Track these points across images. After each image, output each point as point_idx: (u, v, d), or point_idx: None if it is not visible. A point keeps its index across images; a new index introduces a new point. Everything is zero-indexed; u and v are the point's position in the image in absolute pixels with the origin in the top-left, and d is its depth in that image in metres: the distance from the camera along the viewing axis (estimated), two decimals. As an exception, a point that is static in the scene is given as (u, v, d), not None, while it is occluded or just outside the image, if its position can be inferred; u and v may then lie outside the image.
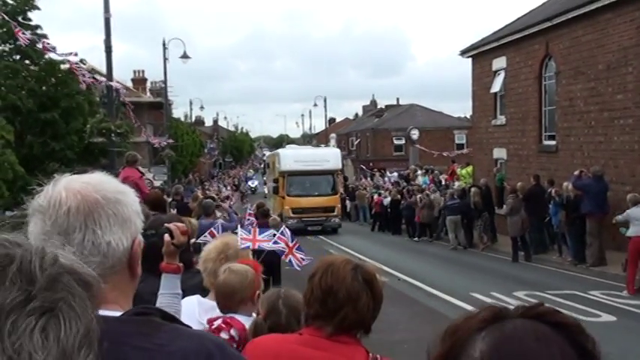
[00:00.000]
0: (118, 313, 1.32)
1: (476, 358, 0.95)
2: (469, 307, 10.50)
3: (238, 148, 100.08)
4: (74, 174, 1.45)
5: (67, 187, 1.34)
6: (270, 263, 10.32)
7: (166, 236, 2.64)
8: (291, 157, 28.81)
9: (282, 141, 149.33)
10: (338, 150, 32.19)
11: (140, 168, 12.40)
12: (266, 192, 48.32)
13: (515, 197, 16.96)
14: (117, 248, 1.34)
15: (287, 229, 10.11)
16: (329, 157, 29.68)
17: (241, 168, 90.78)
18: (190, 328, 1.40)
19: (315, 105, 61.18)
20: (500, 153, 23.30)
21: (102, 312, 1.20)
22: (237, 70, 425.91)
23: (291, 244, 9.63)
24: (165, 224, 2.72)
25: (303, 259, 9.38)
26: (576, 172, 15.86)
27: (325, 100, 59.73)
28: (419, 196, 24.40)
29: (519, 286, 12.84)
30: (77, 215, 1.30)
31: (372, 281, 2.24)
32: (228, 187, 44.99)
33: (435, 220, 23.44)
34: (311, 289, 2.24)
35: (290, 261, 9.52)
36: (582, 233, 15.33)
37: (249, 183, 62.03)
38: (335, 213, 28.03)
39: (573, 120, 19.08)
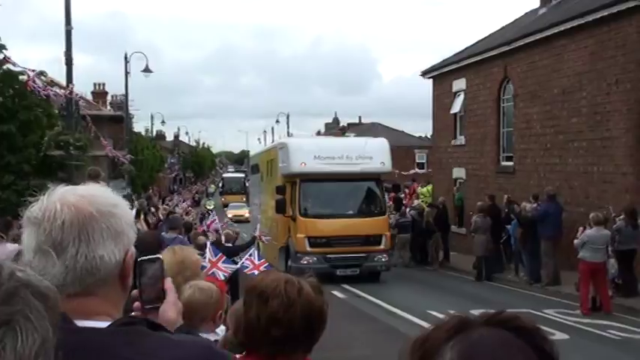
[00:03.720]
0: (106, 324, 1.32)
1: None
2: (426, 325, 10.56)
3: (199, 164, 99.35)
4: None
5: (61, 199, 1.34)
6: (229, 278, 10.37)
7: None
8: (309, 150, 17.08)
9: (243, 157, 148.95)
10: (384, 140, 18.48)
11: (102, 183, 12.26)
12: (246, 214, 38.48)
13: (482, 217, 17.24)
14: (109, 261, 1.35)
15: (255, 251, 10.28)
16: (372, 150, 17.37)
17: (202, 184, 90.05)
18: (178, 334, 1.41)
19: (278, 122, 61.16)
20: (459, 173, 23.68)
21: (92, 323, 1.31)
22: (202, 84, 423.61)
23: (257, 263, 9.81)
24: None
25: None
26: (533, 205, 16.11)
27: (288, 117, 59.77)
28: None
29: (475, 305, 12.98)
30: (71, 229, 1.31)
31: (312, 302, 2.03)
32: (187, 202, 44.49)
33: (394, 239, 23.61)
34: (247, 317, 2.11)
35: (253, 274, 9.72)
36: (538, 253, 15.65)
37: (207, 204, 46.93)
38: (382, 245, 16.85)
39: (530, 142, 19.53)
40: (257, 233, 16.12)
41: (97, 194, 1.39)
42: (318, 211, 16.77)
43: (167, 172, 67.31)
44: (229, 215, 43.08)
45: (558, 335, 10.46)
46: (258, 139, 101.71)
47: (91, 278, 1.32)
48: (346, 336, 9.39)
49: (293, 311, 2.04)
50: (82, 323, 1.30)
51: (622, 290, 13.22)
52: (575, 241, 12.49)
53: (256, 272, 9.68)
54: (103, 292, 1.36)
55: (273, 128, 75.54)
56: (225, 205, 53.01)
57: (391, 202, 20.78)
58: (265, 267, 9.78)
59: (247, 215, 38.63)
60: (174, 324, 1.58)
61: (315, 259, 16.25)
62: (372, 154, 17.20)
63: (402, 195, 24.25)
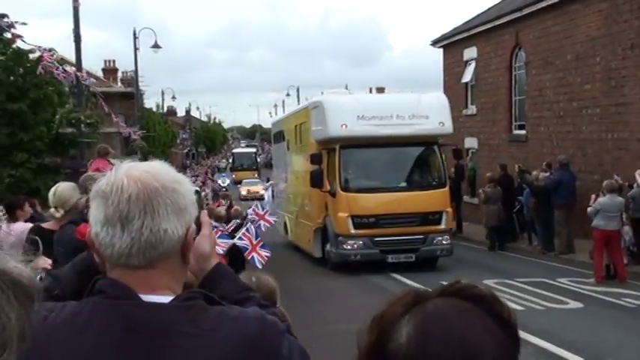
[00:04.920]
0: (169, 299, 1.37)
1: (402, 343, 0.99)
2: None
3: (211, 139, 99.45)
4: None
5: (128, 174, 1.38)
6: (235, 257, 10.39)
7: None
8: (350, 109, 13.99)
9: (255, 131, 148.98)
10: (442, 96, 15.59)
11: (111, 160, 12.26)
12: (265, 195, 38.13)
13: (492, 187, 17.06)
14: (172, 236, 1.37)
15: (252, 226, 10.01)
16: (428, 107, 14.22)
17: (214, 158, 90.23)
18: (232, 307, 1.45)
19: (288, 95, 61.03)
20: (471, 142, 23.50)
21: (155, 298, 1.36)
22: (212, 60, 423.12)
23: (255, 242, 9.65)
24: None
25: (268, 257, 9.40)
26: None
27: (298, 90, 59.66)
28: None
29: (489, 274, 12.99)
30: (137, 202, 1.35)
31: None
32: (200, 178, 44.36)
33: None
34: None
35: (253, 258, 9.55)
36: (551, 222, 15.54)
37: (220, 181, 44.38)
38: (443, 224, 14.02)
39: (543, 110, 19.29)
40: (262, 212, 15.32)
41: (162, 170, 1.43)
42: (363, 184, 13.99)
43: (179, 147, 67.43)
44: (243, 192, 42.04)
45: (572, 304, 10.43)
46: (270, 112, 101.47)
47: (154, 251, 1.36)
48: (360, 310, 9.40)
49: None
50: (146, 297, 1.35)
51: (637, 258, 13.12)
52: (589, 209, 12.36)
53: (257, 259, 9.53)
54: (166, 266, 1.39)
55: (283, 101, 75.43)
56: (237, 182, 49.66)
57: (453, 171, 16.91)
58: (262, 247, 9.64)
59: (262, 192, 38.10)
60: (209, 257, 1.61)
61: (361, 243, 13.58)
62: (429, 113, 14.00)
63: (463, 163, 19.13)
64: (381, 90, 30.20)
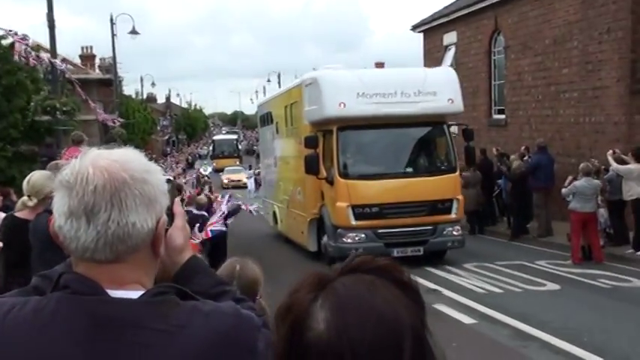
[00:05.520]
0: (138, 293, 1.31)
1: (322, 330, 0.97)
2: (423, 281, 10.58)
3: (192, 125, 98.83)
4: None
5: (94, 163, 1.31)
6: (217, 246, 10.34)
7: None
8: (349, 86, 12.61)
9: (236, 117, 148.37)
10: (451, 71, 14.52)
11: (86, 148, 12.13)
12: (248, 184, 34.35)
13: (472, 171, 17.12)
14: (141, 229, 1.32)
15: (223, 204, 10.14)
16: (435, 83, 12.92)
17: (195, 145, 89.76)
18: (206, 301, 1.39)
19: (269, 81, 60.77)
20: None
21: (124, 293, 1.30)
22: (192, 45, 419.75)
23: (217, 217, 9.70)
24: None
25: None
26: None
27: (279, 76, 59.32)
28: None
29: (469, 258, 13.08)
30: (103, 194, 1.28)
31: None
32: (181, 165, 44.08)
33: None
34: None
35: (212, 231, 9.64)
36: (525, 208, 15.64)
37: (202, 169, 38.00)
38: (453, 214, 12.83)
39: (521, 94, 19.40)
40: (244, 207, 14.74)
41: (131, 159, 1.36)
42: (364, 170, 12.62)
43: (160, 134, 66.96)
44: (225, 180, 41.03)
45: (550, 286, 10.55)
46: (251, 99, 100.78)
47: (122, 245, 1.30)
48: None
49: None
50: (114, 293, 1.30)
51: (613, 239, 13.29)
52: (563, 190, 12.52)
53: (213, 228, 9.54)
54: (135, 260, 1.34)
55: (264, 87, 75.01)
56: (218, 171, 47.96)
57: None
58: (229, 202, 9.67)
59: (245, 180, 36.26)
60: (182, 250, 1.53)
61: (362, 235, 12.25)
62: (436, 89, 12.68)
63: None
64: (380, 65, 26.51)
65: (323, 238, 13.22)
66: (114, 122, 22.54)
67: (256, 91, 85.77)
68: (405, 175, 12.69)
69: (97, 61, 46.34)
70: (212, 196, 17.55)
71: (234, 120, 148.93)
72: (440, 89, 12.74)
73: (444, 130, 13.17)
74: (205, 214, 10.99)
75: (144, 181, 1.33)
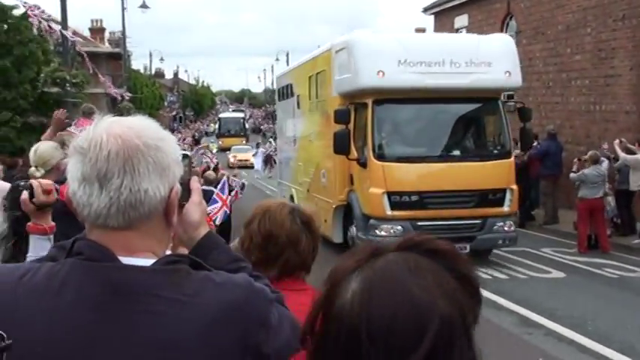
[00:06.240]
0: (150, 261, 1.31)
1: (347, 299, 0.95)
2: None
3: (199, 102, 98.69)
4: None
5: (108, 130, 1.31)
6: (223, 226, 10.32)
7: (24, 194, 2.36)
8: (389, 52, 10.96)
9: (243, 96, 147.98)
10: (508, 38, 12.31)
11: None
12: (255, 163, 32.61)
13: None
14: (154, 196, 1.31)
15: (225, 183, 9.92)
16: (490, 52, 11.27)
17: (202, 122, 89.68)
18: (219, 272, 1.38)
19: (277, 60, 60.52)
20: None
21: (136, 261, 1.30)
22: (202, 22, 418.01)
23: (224, 197, 9.62)
24: (31, 180, 2.42)
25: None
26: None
27: (288, 55, 59.09)
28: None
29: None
30: (117, 160, 1.28)
31: (310, 223, 2.25)
32: (187, 140, 44.01)
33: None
34: (249, 236, 2.22)
35: (216, 217, 9.62)
36: (529, 196, 15.43)
37: (211, 147, 35.32)
38: (506, 206, 11.09)
39: (532, 80, 19.20)
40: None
41: (145, 127, 1.35)
42: (403, 151, 11.04)
43: (167, 110, 66.90)
44: (231, 159, 40.34)
45: (555, 273, 10.52)
46: (258, 77, 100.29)
47: (134, 212, 1.30)
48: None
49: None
50: (126, 260, 1.30)
51: (621, 229, 13.22)
52: (572, 175, 12.45)
53: (218, 216, 9.55)
54: (147, 228, 1.34)
55: (272, 66, 74.75)
56: (225, 150, 46.72)
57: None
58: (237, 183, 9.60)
59: (253, 160, 35.44)
60: (198, 226, 1.52)
61: (399, 228, 10.56)
62: (491, 59, 11.03)
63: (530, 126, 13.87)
64: (421, 30, 23.55)
65: (350, 229, 11.65)
66: (122, 96, 22.52)
67: (264, 70, 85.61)
68: (451, 158, 11.08)
69: (107, 35, 46.24)
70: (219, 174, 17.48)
71: (241, 98, 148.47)
72: (495, 59, 11.05)
73: (498, 106, 11.40)
74: (213, 189, 10.99)
75: (157, 148, 1.33)
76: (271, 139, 44.56)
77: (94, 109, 11.09)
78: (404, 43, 11.08)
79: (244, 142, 54.78)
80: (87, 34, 41.79)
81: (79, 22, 56.45)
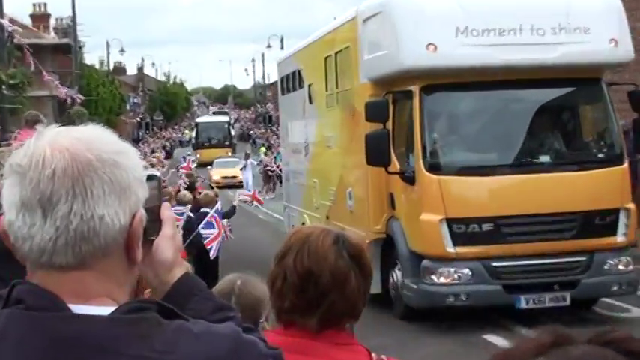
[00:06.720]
0: (109, 309, 1.30)
1: None
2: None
3: (171, 104, 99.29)
4: None
5: (52, 143, 1.31)
6: (203, 252, 10.53)
7: None
8: (445, 18, 9.82)
9: (227, 93, 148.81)
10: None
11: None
12: (244, 179, 32.43)
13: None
14: (111, 225, 1.31)
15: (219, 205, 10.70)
16: (585, 14, 9.90)
17: (174, 129, 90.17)
18: (197, 321, 1.37)
19: (269, 47, 60.85)
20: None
21: (90, 309, 1.29)
22: (174, 3, 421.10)
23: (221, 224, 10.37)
24: None
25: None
26: None
27: (282, 40, 59.45)
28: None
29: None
30: (64, 180, 1.28)
31: (361, 256, 2.19)
32: (156, 153, 44.00)
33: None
34: (283, 274, 2.15)
35: (211, 248, 10.28)
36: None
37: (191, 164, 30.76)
38: (620, 235, 9.78)
39: None
40: (240, 197, 14.91)
41: (99, 137, 1.36)
42: (468, 160, 10.11)
43: (130, 114, 67.32)
44: (215, 177, 38.18)
45: (635, 311, 10.44)
46: (245, 69, 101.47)
47: (87, 245, 1.29)
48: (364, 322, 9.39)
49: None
50: (77, 309, 1.29)
51: None
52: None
53: (213, 245, 10.26)
54: (104, 266, 1.33)
55: (263, 55, 75.31)
56: (204, 165, 44.22)
57: None
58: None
59: (241, 177, 34.73)
60: (172, 267, 1.50)
61: (466, 271, 9.48)
62: (589, 23, 9.75)
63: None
64: None
65: (393, 273, 10.47)
66: (73, 99, 22.67)
67: (253, 60, 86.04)
68: (538, 167, 9.96)
69: (53, 22, 46.68)
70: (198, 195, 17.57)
71: (224, 97, 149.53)
72: (594, 24, 9.80)
73: (601, 90, 10.17)
74: (208, 210, 11.27)
75: (114, 164, 1.32)
76: (263, 149, 44.42)
77: (39, 117, 11.17)
78: (464, 4, 9.94)
79: (230, 153, 53.87)
80: (28, 21, 42.19)
81: (18, 8, 56.75)
